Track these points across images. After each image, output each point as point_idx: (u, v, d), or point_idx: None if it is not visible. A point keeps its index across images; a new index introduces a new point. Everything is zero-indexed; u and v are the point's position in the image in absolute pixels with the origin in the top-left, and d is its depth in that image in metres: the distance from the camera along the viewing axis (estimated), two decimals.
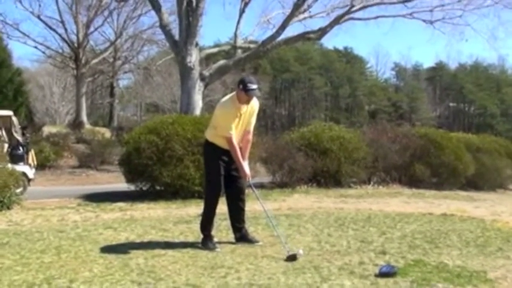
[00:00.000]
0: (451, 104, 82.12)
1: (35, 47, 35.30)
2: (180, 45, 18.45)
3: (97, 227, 7.24)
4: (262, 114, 60.51)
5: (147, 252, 5.48)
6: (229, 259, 5.22)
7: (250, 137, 6.01)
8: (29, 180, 12.85)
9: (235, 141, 5.70)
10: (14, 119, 13.44)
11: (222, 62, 20.89)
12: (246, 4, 21.08)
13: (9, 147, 13.05)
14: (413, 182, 14.45)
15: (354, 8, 20.42)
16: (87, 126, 33.32)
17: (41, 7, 32.90)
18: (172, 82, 41.55)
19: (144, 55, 42.80)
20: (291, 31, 20.75)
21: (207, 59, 24.94)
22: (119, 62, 40.43)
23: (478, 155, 16.30)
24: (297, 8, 19.70)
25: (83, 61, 34.01)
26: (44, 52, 37.18)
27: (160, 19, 19.41)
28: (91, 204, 9.89)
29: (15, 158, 12.72)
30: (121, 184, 12.08)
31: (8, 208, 9.17)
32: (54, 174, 19.06)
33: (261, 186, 12.48)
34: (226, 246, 5.84)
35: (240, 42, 21.16)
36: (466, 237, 6.48)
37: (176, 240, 6.22)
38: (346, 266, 4.96)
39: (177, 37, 18.90)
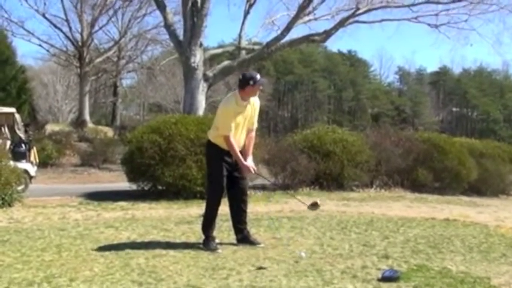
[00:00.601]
0: (454, 109, 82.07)
1: (39, 45, 35.37)
2: (184, 45, 18.44)
3: (98, 225, 7.22)
4: (265, 116, 60.60)
5: (148, 252, 5.45)
6: (231, 260, 5.19)
7: (253, 134, 5.99)
8: (31, 177, 12.87)
9: (232, 139, 5.67)
10: (17, 116, 13.45)
11: (226, 62, 20.87)
12: (250, 5, 21.07)
13: (11, 144, 13.06)
14: (416, 186, 14.42)
15: (359, 11, 20.40)
16: (90, 124, 33.35)
17: (46, 5, 32.98)
18: (175, 82, 41.55)
19: (148, 55, 42.86)
20: (295, 33, 20.77)
21: (211, 60, 24.94)
22: (122, 61, 40.43)
23: (481, 160, 16.25)
24: (301, 10, 19.68)
25: (86, 60, 34.03)
26: (48, 50, 37.23)
27: (165, 19, 19.41)
28: (92, 203, 9.88)
29: (18, 156, 12.72)
30: (123, 183, 12.07)
31: (9, 205, 9.17)
32: (56, 172, 19.07)
33: (263, 187, 12.47)
34: (227, 247, 5.80)
35: (244, 43, 21.14)
36: (469, 243, 6.44)
37: (177, 241, 6.19)
38: (348, 269, 4.92)
39: (181, 37, 18.90)
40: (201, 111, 17.93)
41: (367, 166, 13.62)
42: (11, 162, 10.73)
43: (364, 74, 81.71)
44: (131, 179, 11.25)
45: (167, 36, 25.23)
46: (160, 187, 10.99)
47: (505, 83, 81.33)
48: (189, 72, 18.37)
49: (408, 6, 21.16)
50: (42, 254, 5.39)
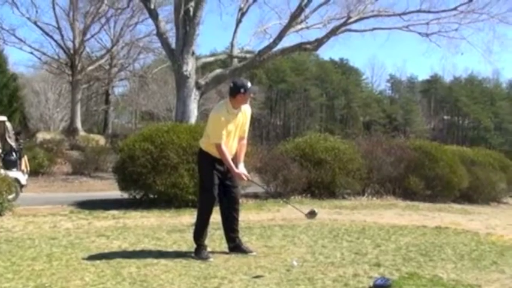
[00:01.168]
0: (445, 117, 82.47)
1: (31, 53, 35.24)
2: (176, 53, 18.46)
3: (89, 234, 7.19)
4: (257, 124, 60.61)
5: (139, 261, 5.44)
6: (223, 269, 5.18)
7: (245, 141, 6.00)
8: (22, 186, 12.78)
9: (224, 147, 5.67)
10: (8, 124, 13.38)
11: (218, 71, 20.90)
12: (243, 14, 21.17)
13: (2, 152, 12.99)
14: (408, 194, 14.46)
15: (351, 20, 20.53)
16: (82, 133, 33.20)
17: (37, 13, 32.87)
18: (167, 90, 41.50)
19: (140, 63, 42.83)
20: (287, 41, 20.86)
21: (203, 68, 25.00)
22: (114, 69, 40.35)
23: (472, 168, 16.32)
24: (293, 19, 19.78)
25: (78, 68, 33.93)
26: (39, 58, 37.10)
27: (157, 27, 19.44)
28: (84, 212, 9.83)
29: (8, 164, 12.66)
30: (114, 192, 12.02)
31: (0, 214, 9.10)
32: (47, 180, 18.98)
33: (255, 196, 12.46)
34: (219, 256, 5.80)
35: (236, 51, 21.20)
36: (460, 251, 6.47)
37: (169, 249, 6.17)
38: (340, 278, 4.93)
39: (173, 45, 18.93)
40: (193, 120, 17.94)
41: (358, 174, 13.65)
42: (2, 171, 10.70)
43: (356, 82, 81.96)
44: (123, 187, 11.20)
45: (159, 45, 25.26)
46: (152, 195, 10.96)
47: (496, 91, 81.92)
48: (181, 80, 18.39)
49: (399, 15, 21.32)
50: (33, 263, 5.37)
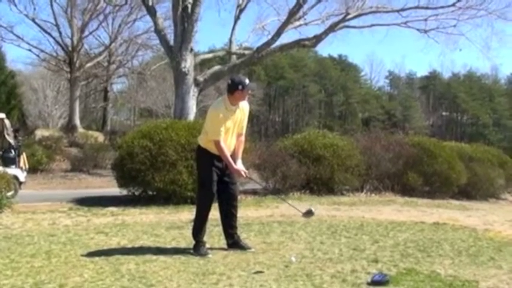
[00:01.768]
0: (444, 113, 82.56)
1: (29, 50, 35.18)
2: (175, 50, 18.43)
3: (88, 231, 7.20)
4: (255, 120, 60.65)
5: (138, 258, 5.45)
6: (221, 265, 5.20)
7: (243, 138, 6.01)
8: (20, 183, 12.79)
9: (223, 143, 5.68)
10: (6, 121, 13.38)
11: (216, 67, 20.87)
12: (241, 11, 21.12)
13: (1, 150, 12.99)
14: (406, 190, 14.48)
15: (349, 16, 20.50)
16: (80, 130, 33.19)
17: (35, 10, 32.90)
18: (166, 87, 41.47)
19: (139, 60, 42.79)
20: (286, 38, 20.80)
21: (202, 65, 24.92)
22: (113, 66, 40.32)
23: (471, 164, 16.36)
24: (292, 15, 19.74)
25: (77, 65, 33.89)
26: (38, 55, 37.10)
27: (156, 24, 19.39)
28: (82, 209, 9.84)
29: (7, 161, 12.67)
30: (113, 188, 12.03)
31: None
32: (46, 177, 18.99)
33: (253, 192, 12.47)
34: (218, 252, 5.81)
35: (234, 48, 21.17)
36: (458, 247, 6.48)
37: (168, 246, 6.19)
38: (338, 274, 4.94)
39: (172, 42, 18.89)
40: (191, 116, 17.91)
41: (357, 170, 13.67)
42: (1, 168, 10.69)
43: (355, 78, 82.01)
44: (122, 184, 11.21)
45: (158, 41, 25.24)
46: (150, 192, 10.97)
47: (494, 88, 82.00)
48: (179, 77, 18.36)
49: (397, 11, 21.29)
50: (32, 260, 5.37)
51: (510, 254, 6.12)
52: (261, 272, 4.93)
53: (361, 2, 20.86)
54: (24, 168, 13.34)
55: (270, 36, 20.19)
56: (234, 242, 5.98)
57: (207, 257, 5.58)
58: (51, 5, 33.14)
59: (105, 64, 39.66)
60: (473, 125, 79.91)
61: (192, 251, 5.77)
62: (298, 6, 19.60)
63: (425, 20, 21.30)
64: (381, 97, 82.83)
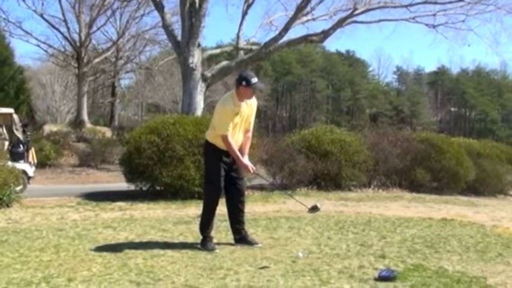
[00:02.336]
0: (452, 109, 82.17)
1: (37, 46, 35.37)
2: (182, 45, 18.44)
3: (96, 226, 7.24)
4: (263, 116, 60.61)
5: (146, 252, 5.47)
6: (229, 260, 5.21)
7: (250, 134, 6.00)
8: (29, 178, 12.87)
9: (230, 138, 5.68)
10: (15, 116, 13.45)
11: (224, 63, 20.86)
12: (248, 6, 21.08)
13: (9, 144, 13.06)
14: (414, 186, 14.44)
15: (357, 11, 20.41)
16: (88, 125, 33.30)
17: (43, 6, 32.88)
18: (174, 82, 41.53)
19: (146, 55, 42.82)
20: (293, 33, 20.74)
21: (209, 60, 24.93)
22: (120, 62, 40.40)
23: (479, 160, 16.28)
24: (299, 11, 19.69)
25: (85, 60, 33.98)
26: (46, 51, 37.16)
27: (163, 19, 19.40)
28: (91, 203, 9.88)
29: (16, 156, 12.73)
30: (121, 183, 12.07)
31: (8, 206, 9.17)
32: (54, 172, 19.07)
33: (261, 188, 12.48)
34: (225, 247, 5.82)
35: (242, 43, 21.14)
36: (466, 243, 6.46)
37: (175, 241, 6.20)
38: (345, 269, 4.94)
39: (179, 37, 18.89)
40: (199, 112, 17.93)
41: (365, 166, 13.64)
42: (9, 163, 10.75)
43: (363, 74, 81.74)
44: (129, 179, 11.25)
45: (165, 37, 25.22)
46: (158, 187, 11.00)
47: (503, 83, 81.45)
48: (187, 72, 18.37)
49: (406, 6, 21.16)
50: (41, 254, 5.41)
51: None
52: (267, 267, 4.94)
53: None
54: (32, 163, 13.41)
55: (277, 32, 20.16)
56: (241, 237, 5.99)
57: (214, 252, 5.59)
58: (59, 1, 33.23)
59: (113, 59, 39.74)
60: (481, 120, 79.51)
61: (199, 246, 5.79)
62: (306, 1, 19.54)
63: (434, 15, 21.17)
64: (389, 93, 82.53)
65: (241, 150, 5.83)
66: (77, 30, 34.09)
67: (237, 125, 5.77)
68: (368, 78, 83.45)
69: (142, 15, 35.44)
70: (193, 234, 6.36)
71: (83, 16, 33.93)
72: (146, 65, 41.83)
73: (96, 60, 35.75)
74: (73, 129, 30.01)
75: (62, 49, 36.06)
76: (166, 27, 19.46)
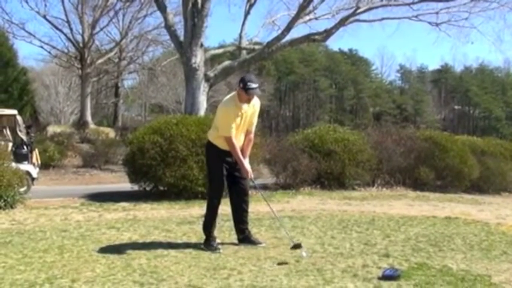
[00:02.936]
0: (456, 107, 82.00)
1: (41, 47, 35.38)
2: (185, 46, 18.44)
3: (100, 226, 7.24)
4: (266, 115, 60.61)
5: (149, 253, 5.48)
6: (232, 260, 5.21)
7: (252, 136, 6.00)
8: (33, 179, 12.88)
9: (234, 140, 5.68)
10: (19, 118, 13.46)
11: (226, 63, 20.85)
12: (251, 5, 21.05)
13: (13, 146, 13.08)
14: (418, 184, 14.41)
15: (359, 10, 20.35)
16: (92, 126, 33.38)
17: (46, 7, 32.96)
18: (177, 83, 41.61)
19: (149, 55, 42.89)
20: (296, 33, 20.70)
21: (212, 60, 24.94)
22: (124, 62, 40.49)
23: (483, 158, 16.22)
24: (302, 10, 19.65)
25: (88, 61, 34.05)
26: (49, 52, 37.25)
27: (166, 20, 19.40)
28: (94, 204, 9.89)
29: (19, 157, 12.74)
30: (125, 184, 12.09)
31: (12, 207, 9.19)
32: (58, 173, 19.09)
33: (264, 187, 12.47)
34: (229, 247, 5.82)
35: (245, 43, 21.12)
36: (470, 241, 6.45)
37: (179, 241, 6.21)
38: (349, 268, 4.93)
39: (182, 38, 18.89)
40: (202, 112, 17.92)
41: (368, 165, 13.62)
42: (13, 164, 10.75)
43: (366, 72, 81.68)
44: (133, 179, 11.26)
45: (168, 37, 25.26)
46: (161, 188, 11.01)
47: (507, 81, 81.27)
48: (190, 72, 18.37)
49: (408, 4, 21.08)
50: (44, 255, 5.42)
51: None
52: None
53: None
54: (36, 164, 13.43)
55: (280, 31, 20.12)
56: (244, 237, 5.99)
57: (217, 251, 5.59)
58: (62, 2, 33.33)
59: (116, 60, 39.83)
60: (485, 118, 79.33)
61: (202, 246, 5.79)
62: (308, 0, 19.50)
63: (437, 13, 21.10)
64: (392, 91, 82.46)
65: (242, 152, 5.82)
66: (80, 31, 34.17)
67: (239, 126, 5.76)
68: (371, 77, 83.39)
69: (145, 16, 35.53)
70: (197, 235, 6.36)
71: (85, 17, 34.00)
72: (149, 65, 41.90)
73: (100, 61, 35.84)
74: (77, 130, 30.07)
75: (65, 50, 36.16)
76: (169, 28, 19.46)
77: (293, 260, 5.23)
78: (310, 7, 20.14)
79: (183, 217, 8.22)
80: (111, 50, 37.42)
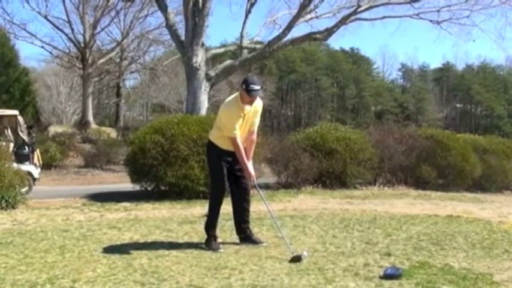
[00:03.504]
0: (458, 105, 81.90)
1: (42, 47, 35.47)
2: (186, 45, 18.44)
3: (101, 226, 7.24)
4: (268, 114, 60.60)
5: (151, 253, 5.47)
6: (233, 260, 5.20)
7: (255, 137, 5.99)
8: (34, 179, 12.90)
9: (239, 141, 5.67)
10: (20, 118, 13.48)
11: (228, 62, 20.85)
12: (252, 4, 21.03)
13: (14, 146, 13.09)
14: (420, 183, 14.40)
15: (361, 9, 20.33)
16: (93, 126, 33.42)
17: (48, 7, 33.08)
18: (178, 82, 41.62)
19: (151, 55, 42.95)
20: (297, 31, 20.68)
21: (213, 59, 24.91)
22: (125, 62, 40.53)
23: (485, 156, 16.20)
24: (303, 9, 19.63)
25: (89, 61, 34.10)
26: (50, 52, 37.32)
27: (167, 19, 19.40)
28: (96, 204, 9.89)
29: (21, 158, 12.76)
30: (126, 184, 12.10)
31: (13, 207, 9.19)
32: (60, 173, 19.13)
33: (266, 186, 12.46)
34: (230, 246, 5.82)
35: (246, 42, 21.11)
36: (472, 239, 6.43)
37: (180, 241, 6.20)
38: (350, 267, 4.93)
39: (183, 37, 18.89)
40: (203, 111, 17.92)
41: (370, 164, 13.60)
42: (15, 164, 10.76)
43: (367, 71, 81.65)
44: (134, 179, 11.26)
45: (169, 37, 25.27)
46: (163, 187, 11.01)
47: (509, 79, 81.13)
48: (191, 72, 18.37)
49: (410, 2, 21.06)
50: (46, 255, 5.42)
51: None
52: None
53: None
54: (38, 164, 13.45)
55: (281, 30, 20.10)
56: (246, 237, 5.98)
57: (219, 251, 5.59)
58: (63, 2, 33.41)
59: (118, 60, 39.87)
60: (487, 116, 79.20)
61: (204, 246, 5.78)
62: None
63: (438, 11, 21.07)
64: (394, 90, 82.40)
65: (245, 153, 5.80)
66: (81, 31, 34.23)
67: (242, 127, 5.75)
68: (373, 75, 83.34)
69: (146, 16, 35.58)
70: (198, 234, 6.36)
71: (87, 17, 34.04)
72: (151, 65, 41.94)
73: (101, 61, 35.88)
74: (78, 130, 30.12)
75: (67, 50, 36.22)
76: (170, 27, 19.46)
77: None
78: (311, 6, 20.12)
79: (185, 217, 8.22)
80: (112, 50, 37.47)
